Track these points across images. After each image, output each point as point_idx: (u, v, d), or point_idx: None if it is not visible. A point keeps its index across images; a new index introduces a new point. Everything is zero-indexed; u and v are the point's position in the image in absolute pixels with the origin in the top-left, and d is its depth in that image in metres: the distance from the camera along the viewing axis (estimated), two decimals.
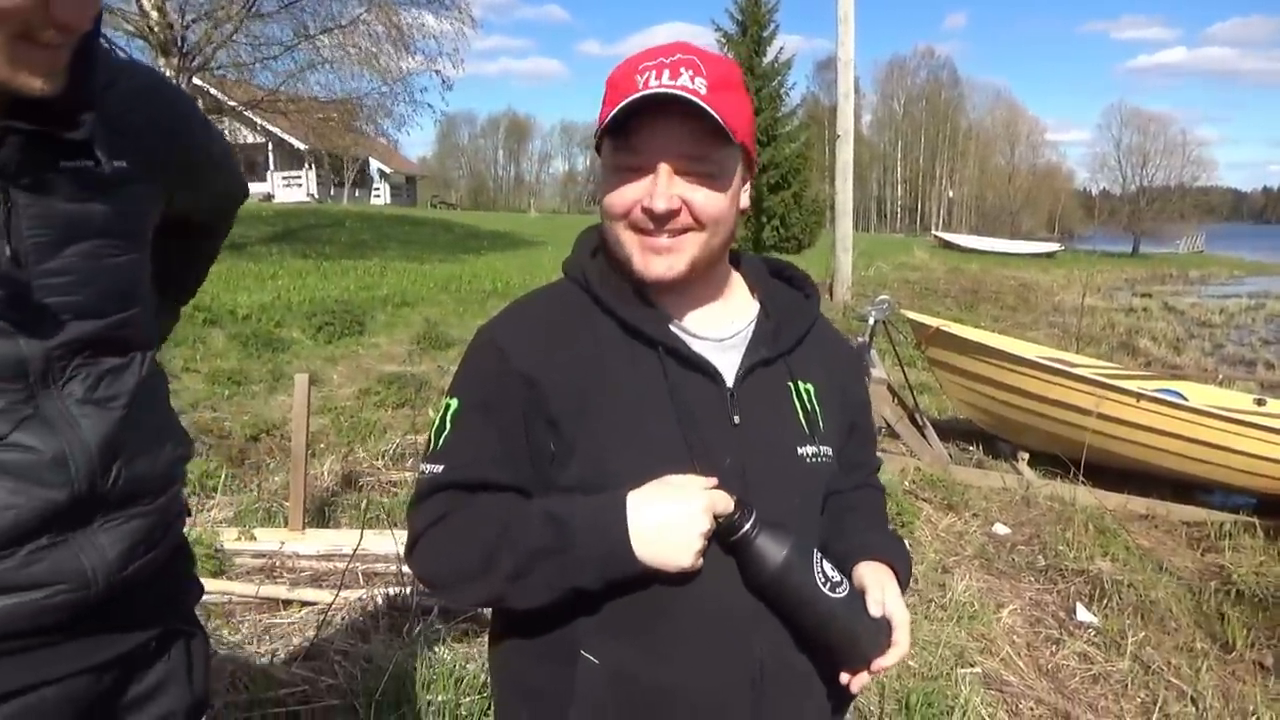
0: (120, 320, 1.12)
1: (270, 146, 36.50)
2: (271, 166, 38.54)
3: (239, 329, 8.46)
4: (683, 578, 1.09)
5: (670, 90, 1.06)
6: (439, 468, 1.17)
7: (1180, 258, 46.61)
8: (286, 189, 38.50)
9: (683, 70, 1.09)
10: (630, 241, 1.14)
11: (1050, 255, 40.80)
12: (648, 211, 1.10)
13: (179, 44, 14.42)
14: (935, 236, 48.33)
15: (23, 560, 1.03)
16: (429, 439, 1.22)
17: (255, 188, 38.02)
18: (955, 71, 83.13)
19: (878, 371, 6.47)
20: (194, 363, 7.49)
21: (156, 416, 1.21)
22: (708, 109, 1.06)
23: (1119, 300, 23.17)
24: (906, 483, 5.77)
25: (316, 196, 38.22)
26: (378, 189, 47.46)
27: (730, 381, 1.19)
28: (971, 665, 3.46)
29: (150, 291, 1.21)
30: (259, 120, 24.18)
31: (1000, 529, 5.31)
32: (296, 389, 4.01)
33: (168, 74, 14.19)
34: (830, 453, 1.24)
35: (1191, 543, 5.99)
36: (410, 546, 1.21)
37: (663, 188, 1.10)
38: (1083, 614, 4.27)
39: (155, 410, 1.21)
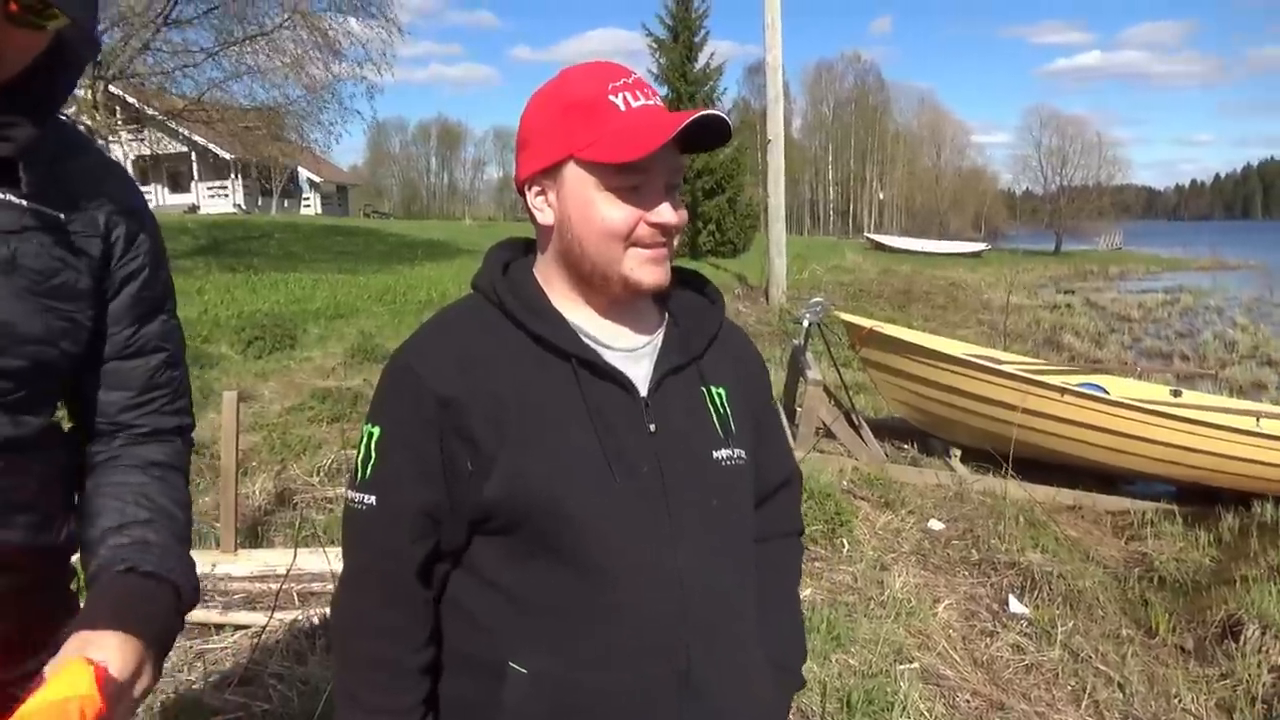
0: (2, 366, 1.06)
1: (194, 156, 35.57)
2: (196, 176, 37.59)
3: None
4: (608, 583, 1.12)
5: (710, 111, 1.12)
6: (371, 499, 1.18)
7: (1100, 255, 48.19)
8: (212, 199, 37.60)
9: (646, 90, 1.17)
10: (630, 257, 1.17)
11: (977, 255, 41.85)
12: (659, 226, 1.15)
13: None
14: (867, 238, 49.23)
15: None
16: (355, 466, 1.22)
17: (179, 199, 37.14)
18: (881, 76, 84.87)
19: (813, 373, 6.56)
20: None
21: (28, 491, 1.12)
22: (730, 125, 1.14)
23: (1043, 297, 23.88)
24: (844, 482, 5.85)
25: (244, 207, 37.37)
26: (308, 199, 46.61)
27: (644, 390, 1.20)
28: (910, 661, 3.52)
29: (67, 374, 1.15)
30: (182, 129, 23.52)
31: (935, 525, 5.43)
32: (225, 406, 3.91)
33: (83, 82, 13.76)
34: (744, 454, 1.26)
35: (1116, 531, 6.20)
36: (339, 598, 1.25)
37: (670, 204, 1.16)
38: (1015, 606, 4.38)
39: (29, 485, 1.12)
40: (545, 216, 1.20)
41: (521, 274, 1.24)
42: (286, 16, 15.14)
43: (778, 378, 8.34)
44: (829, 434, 6.56)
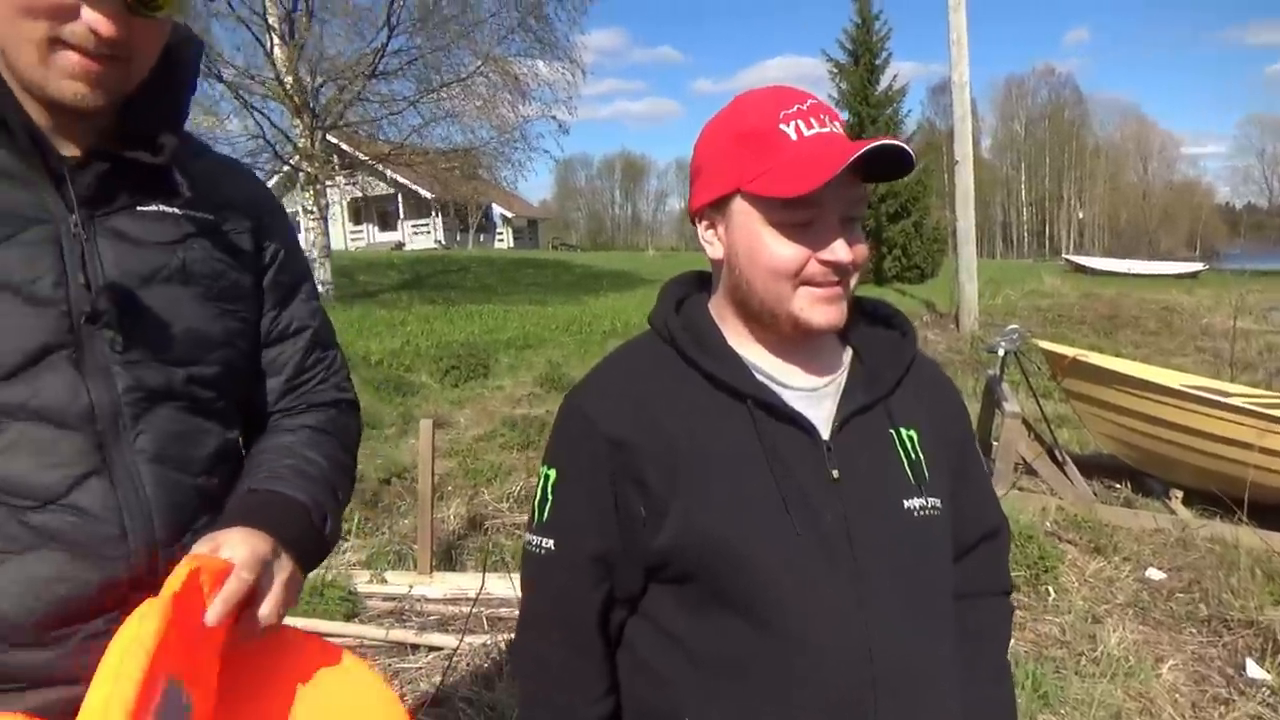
0: (196, 375, 1.07)
1: (400, 196, 38.18)
2: (401, 215, 40.31)
3: (371, 374, 8.79)
4: (788, 640, 1.06)
5: (886, 141, 1.03)
6: (549, 543, 1.17)
7: None
8: (416, 236, 40.19)
9: (824, 117, 1.10)
10: (800, 296, 1.10)
11: (1194, 275, 38.38)
12: (831, 264, 1.08)
13: (311, 105, 15.26)
14: (1066, 260, 46.25)
15: (76, 647, 0.95)
16: (533, 507, 1.22)
17: (387, 236, 39.92)
18: (1078, 89, 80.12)
19: (1010, 405, 6.17)
20: None
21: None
22: (911, 152, 1.05)
23: (1274, 321, 21.54)
24: (1048, 523, 5.45)
25: (444, 242, 39.69)
26: (501, 233, 48.93)
27: (826, 433, 1.13)
28: None
29: (247, 374, 1.17)
30: (389, 171, 25.34)
31: (1155, 574, 4.94)
32: (421, 434, 4.11)
33: (300, 131, 15.05)
34: (940, 504, 1.15)
35: None
36: (520, 640, 1.25)
37: (843, 240, 1.08)
38: (1254, 670, 3.90)
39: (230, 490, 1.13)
40: (715, 250, 1.16)
41: (696, 310, 1.21)
42: (480, 63, 16.02)
43: (970, 410, 7.90)
44: (1029, 471, 6.15)
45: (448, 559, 4.49)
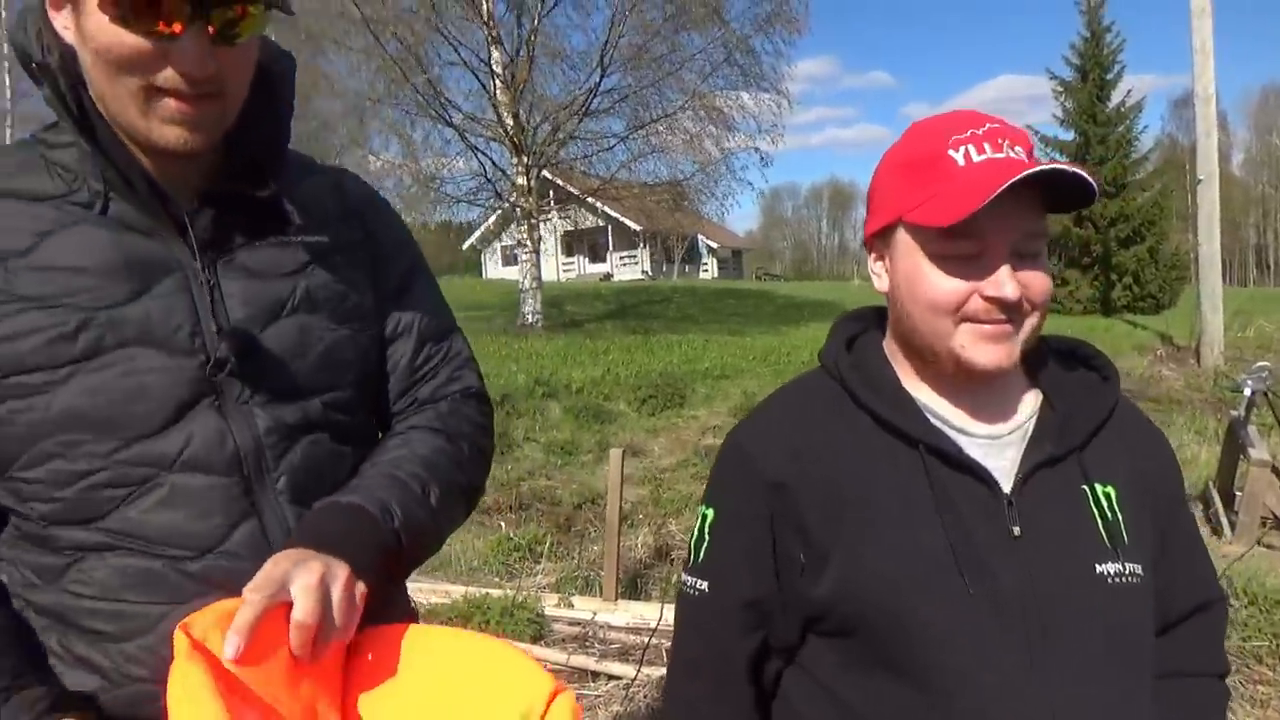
0: (333, 400, 1.08)
1: (610, 229, 39.52)
2: (610, 247, 41.67)
3: (572, 402, 9.10)
4: (957, 711, 0.98)
5: (1053, 165, 0.95)
6: (704, 585, 1.14)
7: None
8: (623, 267, 41.39)
9: (1001, 141, 1.01)
10: (961, 333, 1.02)
11: None
12: (995, 301, 0.99)
13: (530, 144, 16.13)
14: None
15: None
16: (690, 547, 1.19)
17: (596, 268, 41.37)
18: None
19: (1258, 452, 5.52)
20: (533, 433, 8.16)
21: None
22: (1085, 176, 0.96)
23: None
24: None
25: (650, 273, 40.64)
26: (705, 263, 49.53)
27: (1008, 486, 1.03)
28: None
29: (379, 389, 1.17)
30: (599, 205, 26.33)
31: None
32: (611, 462, 4.20)
33: (517, 169, 15.93)
34: (1140, 570, 1.03)
35: None
36: (670, 681, 1.24)
37: (1007, 273, 0.99)
38: None
39: None
40: (881, 283, 1.11)
41: (869, 348, 1.14)
42: (687, 99, 16.36)
43: (1210, 453, 7.16)
44: (1277, 525, 5.46)
45: (633, 587, 4.54)
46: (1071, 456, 1.05)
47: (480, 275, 40.72)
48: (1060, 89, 27.24)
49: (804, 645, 1.10)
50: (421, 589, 4.23)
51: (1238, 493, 5.92)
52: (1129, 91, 26.76)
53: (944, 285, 1.01)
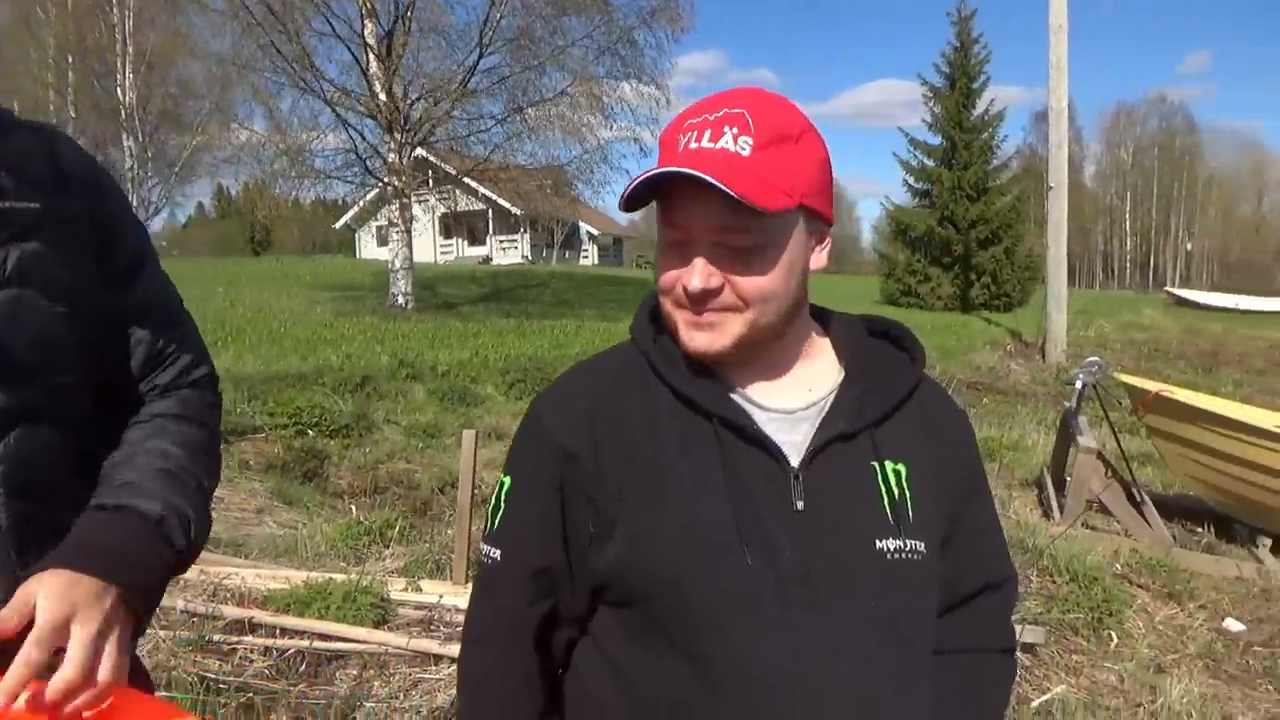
0: (52, 385, 0.99)
1: (490, 213, 38.96)
2: (490, 230, 41.10)
3: (437, 384, 8.91)
4: (728, 685, 0.97)
5: (684, 170, 0.93)
6: (497, 553, 1.12)
7: None
8: (503, 251, 40.93)
9: (726, 130, 0.98)
10: (677, 316, 1.03)
11: None
12: (686, 291, 1.00)
13: (404, 121, 15.69)
14: (1168, 293, 44.33)
15: None
16: (487, 515, 1.16)
17: (476, 250, 40.75)
18: (1190, 117, 76.85)
19: (1086, 440, 5.88)
20: (394, 415, 7.94)
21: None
22: (722, 188, 0.92)
23: None
24: (1118, 565, 5.15)
25: (530, 258, 40.30)
26: (586, 250, 49.43)
27: (796, 460, 1.03)
28: None
29: (108, 375, 1.08)
30: (478, 187, 25.87)
31: (1233, 625, 4.62)
32: (464, 445, 4.11)
33: (390, 147, 15.48)
34: (923, 548, 1.03)
35: None
36: (461, 651, 1.19)
37: (699, 266, 0.98)
38: None
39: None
40: None
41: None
42: (570, 83, 16.24)
43: (1049, 442, 7.59)
44: (1102, 509, 5.84)
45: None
46: (864, 433, 1.05)
47: (355, 255, 39.51)
48: (930, 95, 28.40)
49: (594, 616, 1.09)
50: (260, 574, 4.05)
51: (1068, 478, 6.30)
52: (992, 101, 28.18)
53: (663, 269, 1.03)
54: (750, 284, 1.00)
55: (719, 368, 1.07)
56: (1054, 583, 4.50)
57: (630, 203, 1.01)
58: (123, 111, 21.20)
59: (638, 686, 1.02)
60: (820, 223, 1.05)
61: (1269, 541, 6.01)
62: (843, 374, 1.11)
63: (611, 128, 17.26)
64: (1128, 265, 73.98)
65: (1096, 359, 6.81)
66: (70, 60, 21.73)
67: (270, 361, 9.40)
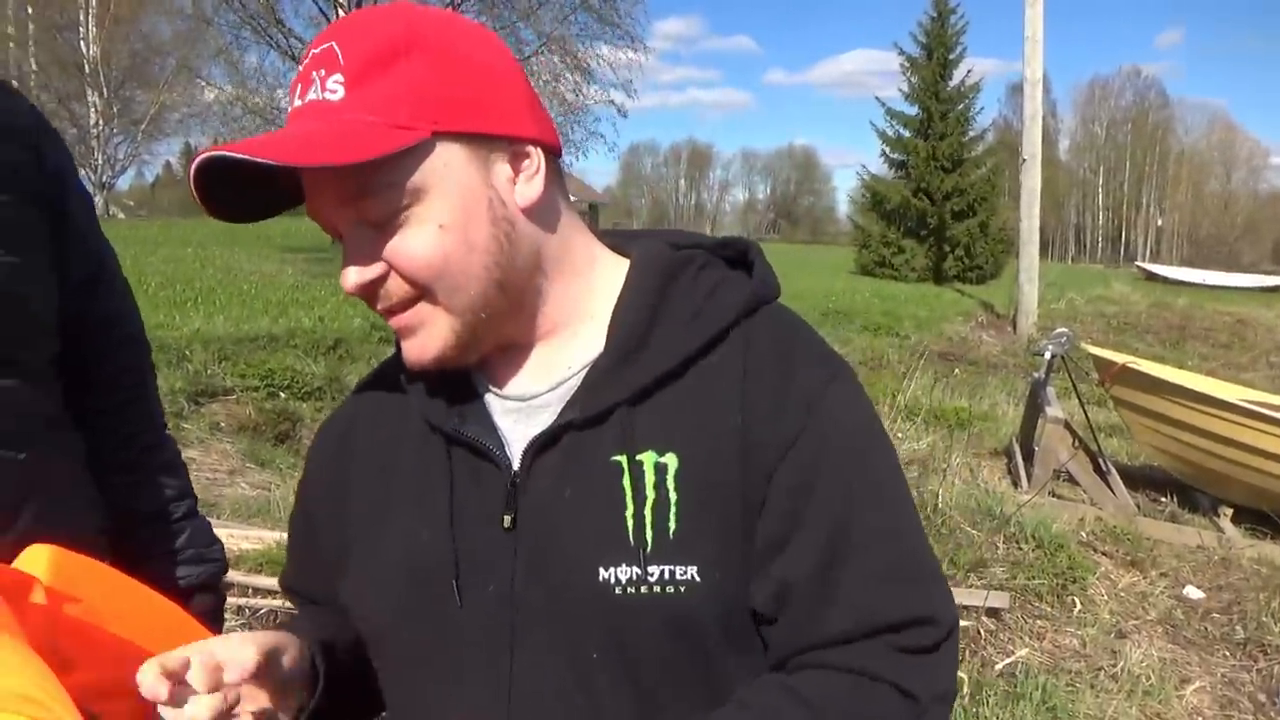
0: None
1: None
2: None
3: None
4: None
5: (222, 153, 0.69)
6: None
7: None
8: None
9: (314, 75, 0.72)
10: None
11: (1275, 289, 37.00)
12: (353, 294, 0.77)
13: None
14: (1139, 267, 44.96)
15: None
16: None
17: None
18: (1164, 92, 77.51)
19: (1053, 410, 5.99)
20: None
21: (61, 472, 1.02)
22: (260, 160, 0.68)
23: None
24: (1083, 533, 5.26)
25: None
26: None
27: (519, 460, 0.79)
28: None
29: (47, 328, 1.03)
30: None
31: (1193, 592, 4.73)
32: None
33: None
34: (694, 574, 0.73)
35: None
36: None
37: (346, 256, 0.75)
38: None
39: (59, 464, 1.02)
40: None
41: None
42: (543, 42, 16.07)
43: (1019, 413, 7.70)
44: (1069, 478, 5.94)
45: None
46: (614, 415, 0.77)
47: None
48: (907, 65, 28.37)
49: None
50: (233, 535, 4.03)
51: (1036, 448, 6.40)
52: (969, 72, 28.21)
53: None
54: (409, 261, 0.74)
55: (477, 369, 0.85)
56: (1020, 550, 4.59)
57: (220, 209, 0.76)
58: (86, 66, 20.68)
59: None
60: (499, 142, 0.76)
61: (1230, 511, 6.16)
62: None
63: (589, 90, 17.14)
64: (1099, 239, 74.78)
65: (1065, 331, 6.90)
66: (29, 11, 21.14)
67: (241, 323, 9.30)
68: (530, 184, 0.77)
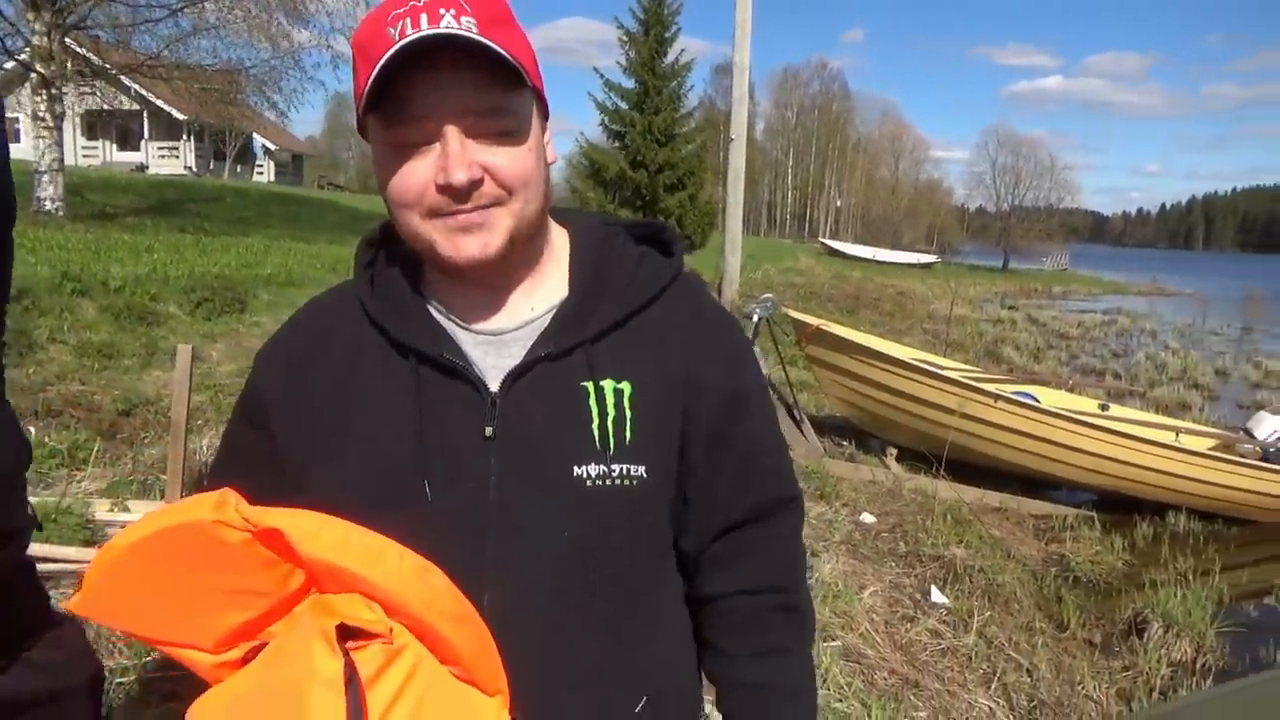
0: None
1: (146, 115, 34.73)
2: (146, 136, 36.67)
3: (110, 301, 8.10)
4: None
5: (436, 32, 0.84)
6: (210, 480, 1.06)
7: (1046, 274, 49.39)
8: (162, 159, 36.69)
9: (443, 12, 0.86)
10: (432, 229, 0.92)
11: (927, 266, 42.65)
12: (446, 189, 0.89)
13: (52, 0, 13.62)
14: (822, 243, 49.84)
15: None
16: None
17: (127, 156, 36.16)
18: (846, 85, 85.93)
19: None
20: (61, 334, 7.15)
21: None
22: (491, 45, 0.85)
23: (987, 311, 24.46)
24: None
25: (195, 170, 36.57)
26: (261, 166, 45.69)
27: (496, 385, 0.96)
28: (833, 639, 3.69)
29: None
30: (135, 86, 22.98)
31: (867, 518, 5.62)
32: (179, 360, 3.94)
33: (38, 30, 13.40)
34: (642, 472, 0.96)
35: (1038, 534, 6.47)
36: None
37: (457, 156, 0.88)
38: (936, 595, 4.58)
39: None
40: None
41: (392, 252, 1.04)
42: None
43: None
44: None
45: (198, 489, 4.33)
46: (579, 350, 0.97)
47: None
48: (626, 39, 29.26)
49: None
50: None
51: None
52: (682, 51, 29.59)
53: (400, 179, 0.91)
54: (513, 165, 0.91)
55: (437, 291, 1.02)
56: None
57: (371, 108, 0.89)
58: None
59: None
60: (545, 114, 0.99)
61: (894, 452, 7.29)
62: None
63: (303, 33, 16.15)
64: (788, 216, 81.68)
65: (771, 296, 7.72)
66: None
67: None
68: (551, 146, 1.00)
